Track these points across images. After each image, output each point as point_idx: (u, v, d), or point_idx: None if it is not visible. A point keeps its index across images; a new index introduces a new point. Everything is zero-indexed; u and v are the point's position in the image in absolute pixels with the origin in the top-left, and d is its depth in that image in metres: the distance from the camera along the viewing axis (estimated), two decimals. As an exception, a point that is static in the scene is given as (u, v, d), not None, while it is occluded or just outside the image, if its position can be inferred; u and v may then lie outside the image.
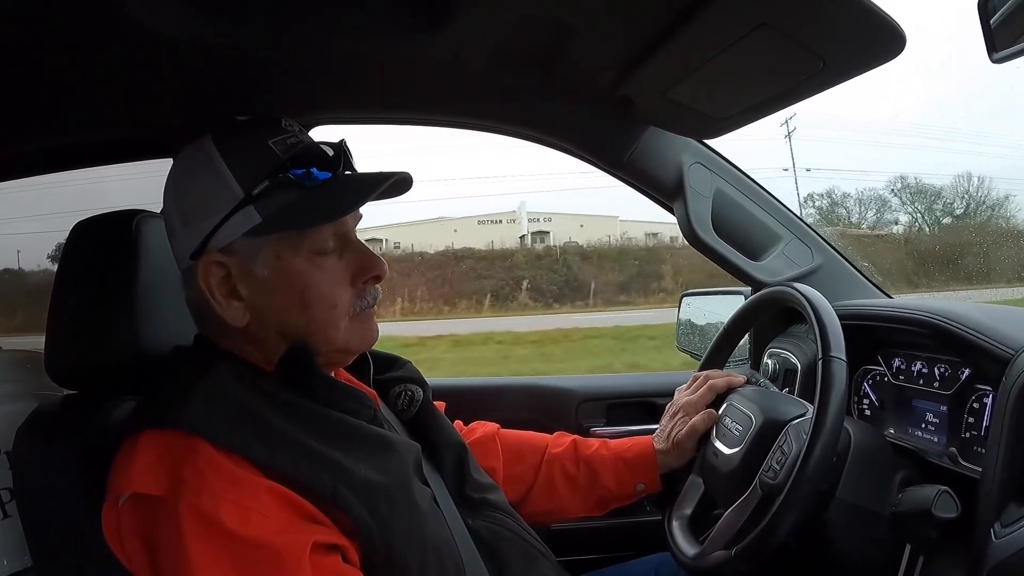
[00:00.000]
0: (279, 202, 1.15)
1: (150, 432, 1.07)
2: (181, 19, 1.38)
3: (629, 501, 1.70)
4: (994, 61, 1.19)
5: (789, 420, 1.43)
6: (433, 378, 1.58)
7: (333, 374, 1.30)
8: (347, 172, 1.23)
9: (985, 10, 1.18)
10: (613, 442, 1.71)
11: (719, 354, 1.83)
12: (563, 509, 1.68)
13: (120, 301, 1.29)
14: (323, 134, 1.74)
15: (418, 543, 1.13)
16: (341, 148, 1.22)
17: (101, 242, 1.33)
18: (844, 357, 1.35)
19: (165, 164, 1.28)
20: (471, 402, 2.14)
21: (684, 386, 1.75)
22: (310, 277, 1.18)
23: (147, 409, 1.14)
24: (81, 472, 1.21)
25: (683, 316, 2.49)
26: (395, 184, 1.23)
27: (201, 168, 1.17)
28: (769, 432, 1.43)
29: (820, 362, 1.36)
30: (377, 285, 1.27)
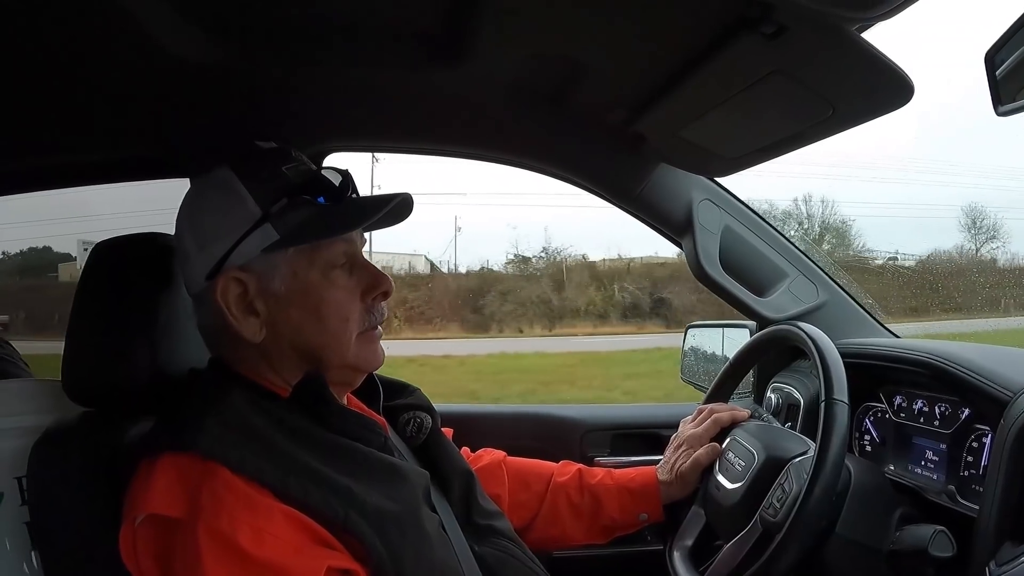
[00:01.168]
0: (295, 220, 1.19)
1: (168, 455, 1.09)
2: (199, 43, 1.41)
3: (632, 530, 1.71)
4: (999, 114, 1.20)
5: (791, 458, 1.44)
6: (441, 404, 1.59)
7: (345, 401, 1.33)
8: (356, 197, 1.29)
9: (992, 63, 1.20)
10: (617, 472, 1.72)
11: (724, 388, 1.85)
12: (567, 537, 1.69)
13: (140, 321, 1.30)
14: (334, 162, 1.78)
15: (426, 570, 1.15)
16: (347, 175, 1.27)
17: (122, 263, 1.35)
18: (847, 400, 1.37)
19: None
20: (478, 429, 2.14)
21: (689, 418, 1.77)
22: (325, 291, 1.22)
23: (165, 432, 1.16)
24: (95, 489, 1.22)
25: (688, 347, 2.49)
26: (399, 210, 1.31)
27: (219, 191, 1.22)
28: (771, 469, 1.45)
29: (823, 405, 1.37)
30: (383, 303, 1.31)
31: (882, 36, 1.14)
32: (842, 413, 1.35)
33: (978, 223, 16.90)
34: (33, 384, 1.60)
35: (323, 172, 1.26)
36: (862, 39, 1.12)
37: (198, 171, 1.29)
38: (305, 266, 1.21)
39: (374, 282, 1.28)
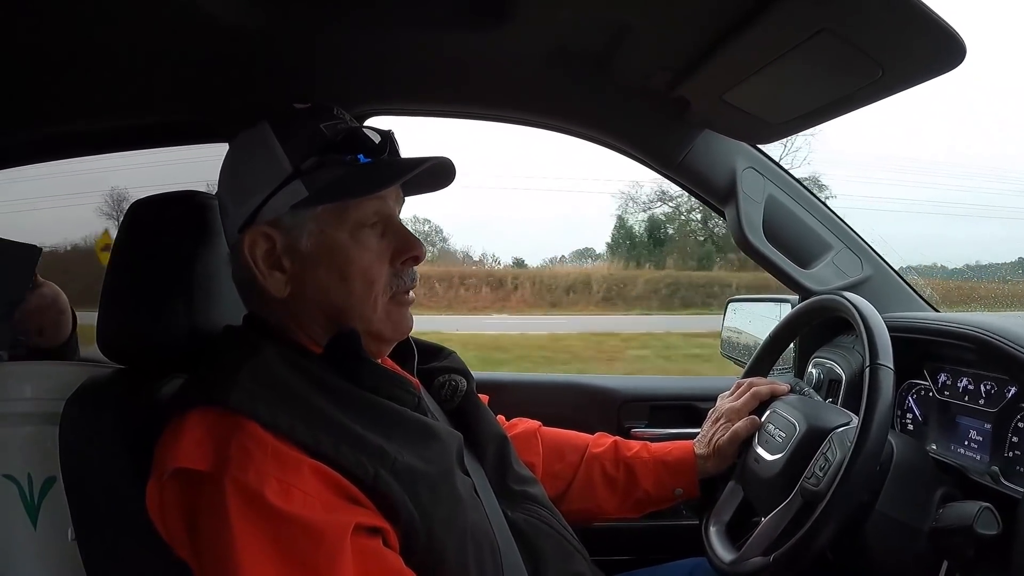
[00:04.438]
0: (325, 178, 1.20)
1: (198, 409, 1.09)
2: (241, 4, 1.41)
3: (667, 505, 1.70)
4: None
5: (833, 428, 1.42)
6: (478, 372, 1.58)
7: (379, 361, 1.32)
8: (393, 157, 1.28)
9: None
10: (654, 445, 1.71)
11: (764, 361, 1.83)
12: (600, 509, 1.68)
13: (176, 280, 1.31)
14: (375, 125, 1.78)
15: (458, 531, 1.15)
16: (388, 135, 1.27)
17: (159, 221, 1.36)
18: (891, 365, 1.34)
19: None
20: (514, 397, 2.14)
21: (727, 393, 1.75)
22: (351, 251, 1.22)
23: (196, 387, 1.17)
24: (127, 444, 1.23)
25: (728, 322, 2.48)
26: (440, 174, 1.32)
27: (256, 147, 1.23)
28: (813, 439, 1.43)
29: (867, 369, 1.35)
30: (415, 268, 1.30)
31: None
32: (887, 377, 1.33)
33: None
34: (89, 368, 1.61)
35: (363, 131, 1.25)
36: None
37: (238, 135, 1.29)
38: (333, 225, 1.21)
39: (404, 246, 1.27)
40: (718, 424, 1.68)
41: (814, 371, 2.00)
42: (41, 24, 1.44)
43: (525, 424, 1.73)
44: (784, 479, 1.44)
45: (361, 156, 1.22)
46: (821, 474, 1.34)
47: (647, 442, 1.72)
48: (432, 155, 1.26)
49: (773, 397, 1.66)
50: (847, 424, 1.42)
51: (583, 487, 1.68)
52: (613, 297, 20.70)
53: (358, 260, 1.22)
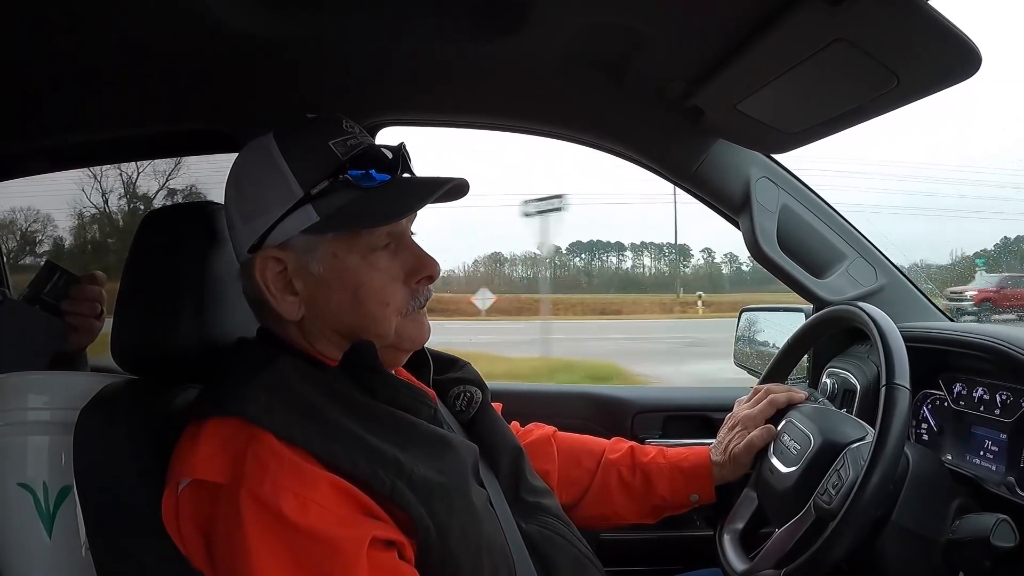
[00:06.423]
0: (337, 202, 1.18)
1: (213, 420, 1.09)
2: (255, 14, 1.42)
3: (682, 511, 1.69)
4: None
5: (848, 443, 1.40)
6: (492, 381, 1.58)
7: (393, 372, 1.32)
8: (405, 175, 1.25)
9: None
10: (670, 451, 1.70)
11: (779, 369, 1.81)
12: (616, 515, 1.68)
13: (189, 291, 1.31)
14: (388, 135, 1.77)
15: (473, 544, 1.14)
16: (400, 151, 1.24)
17: (172, 232, 1.35)
18: (908, 385, 1.32)
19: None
20: (528, 407, 2.13)
21: (744, 398, 1.74)
22: (364, 275, 1.21)
23: (211, 398, 1.16)
24: (141, 454, 1.23)
25: (741, 331, 2.46)
26: (451, 189, 1.27)
27: (262, 165, 1.21)
28: (827, 454, 1.41)
29: (883, 389, 1.33)
30: (429, 285, 1.29)
31: (949, 5, 1.11)
32: (903, 399, 1.31)
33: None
34: (103, 378, 1.62)
35: (374, 149, 1.24)
36: (928, 5, 1.09)
37: (243, 149, 1.29)
38: (345, 249, 1.20)
39: (418, 265, 1.26)
40: (734, 431, 1.67)
41: (828, 381, 1.99)
42: (60, 34, 1.45)
43: (540, 430, 1.73)
44: (797, 493, 1.43)
45: (374, 171, 1.21)
46: (834, 492, 1.33)
47: (663, 448, 1.72)
48: (446, 176, 1.24)
49: (790, 405, 1.64)
50: (861, 440, 1.40)
51: (600, 493, 1.67)
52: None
53: (370, 282, 1.21)
